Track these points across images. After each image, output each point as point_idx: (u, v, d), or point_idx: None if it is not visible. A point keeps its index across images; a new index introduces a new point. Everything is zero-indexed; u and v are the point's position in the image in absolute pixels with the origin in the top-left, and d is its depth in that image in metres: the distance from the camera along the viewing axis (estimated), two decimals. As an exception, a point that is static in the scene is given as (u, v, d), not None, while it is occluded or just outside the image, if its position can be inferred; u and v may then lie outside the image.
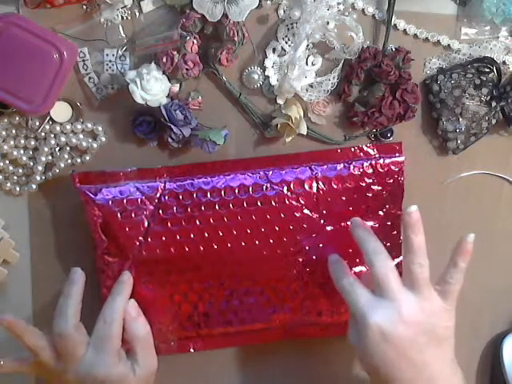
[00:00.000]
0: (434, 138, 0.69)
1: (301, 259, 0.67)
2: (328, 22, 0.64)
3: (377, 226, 0.67)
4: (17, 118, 0.65)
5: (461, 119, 0.67)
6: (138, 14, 0.64)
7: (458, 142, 0.68)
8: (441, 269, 0.72)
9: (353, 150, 0.67)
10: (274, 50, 0.65)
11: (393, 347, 0.57)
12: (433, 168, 0.70)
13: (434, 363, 0.59)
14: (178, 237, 0.65)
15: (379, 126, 0.67)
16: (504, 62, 0.67)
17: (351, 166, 0.66)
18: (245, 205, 0.65)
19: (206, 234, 0.65)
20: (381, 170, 0.66)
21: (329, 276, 0.65)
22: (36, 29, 0.60)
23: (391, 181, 0.67)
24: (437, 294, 0.60)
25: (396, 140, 0.68)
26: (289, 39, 0.65)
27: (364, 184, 0.66)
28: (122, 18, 0.64)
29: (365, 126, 0.67)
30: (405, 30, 0.66)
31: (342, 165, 0.66)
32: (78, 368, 0.62)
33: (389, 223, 0.68)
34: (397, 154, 0.67)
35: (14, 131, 0.66)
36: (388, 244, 0.67)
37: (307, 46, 0.64)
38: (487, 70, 0.66)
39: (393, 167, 0.66)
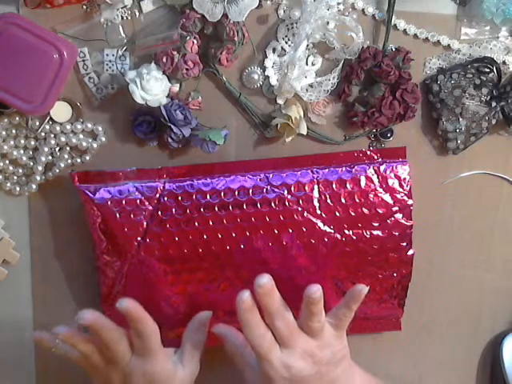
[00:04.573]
0: (434, 137, 0.69)
1: (299, 263, 0.66)
2: (328, 22, 0.64)
3: (383, 235, 0.66)
4: (17, 118, 0.65)
5: (461, 119, 0.67)
6: (137, 13, 0.64)
7: (458, 141, 0.68)
8: (442, 269, 0.73)
9: (355, 154, 0.66)
10: (274, 50, 0.65)
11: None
12: (433, 168, 0.70)
13: (337, 378, 0.63)
14: (177, 238, 0.65)
15: (379, 125, 0.67)
16: (504, 62, 0.67)
17: (353, 170, 0.65)
18: (244, 207, 0.65)
19: (205, 236, 0.65)
20: (385, 174, 0.65)
21: (326, 281, 0.65)
22: (36, 29, 0.60)
23: (398, 187, 0.66)
24: (329, 326, 0.63)
25: (396, 140, 0.68)
26: (289, 39, 0.65)
27: (367, 189, 0.65)
28: (122, 18, 0.64)
29: (365, 126, 0.67)
30: (405, 30, 0.66)
31: (344, 168, 0.66)
32: (126, 369, 0.62)
33: (396, 233, 0.66)
34: (400, 159, 0.66)
35: (14, 131, 0.66)
36: (395, 256, 0.67)
37: (307, 46, 0.64)
38: (487, 70, 0.66)
39: (398, 173, 0.66)
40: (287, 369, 0.61)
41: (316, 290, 0.60)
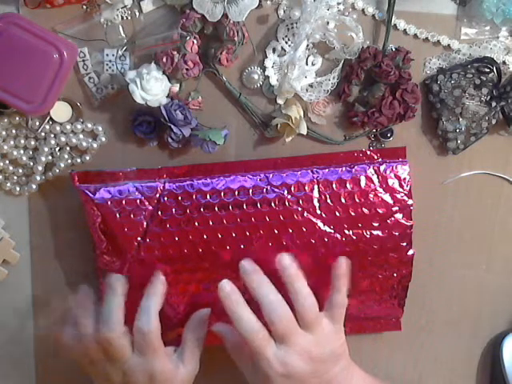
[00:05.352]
0: (434, 137, 0.69)
1: (299, 263, 0.66)
2: (328, 22, 0.64)
3: (383, 235, 0.66)
4: (17, 118, 0.65)
5: (461, 119, 0.67)
6: (137, 13, 0.64)
7: (458, 142, 0.68)
8: (442, 269, 0.73)
9: (355, 154, 0.66)
10: (274, 50, 0.65)
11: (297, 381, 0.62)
12: (433, 168, 0.70)
13: (335, 376, 0.63)
14: (177, 238, 0.65)
15: (379, 125, 0.67)
16: (504, 62, 0.67)
17: (353, 170, 0.65)
18: (244, 207, 0.65)
19: (205, 236, 0.65)
20: (385, 174, 0.65)
21: (326, 280, 0.65)
22: (36, 29, 0.60)
23: (398, 187, 0.66)
24: (327, 320, 0.63)
25: (396, 140, 0.68)
26: (289, 39, 0.65)
27: (367, 189, 0.65)
28: (122, 18, 0.64)
29: (365, 126, 0.67)
30: (405, 30, 0.66)
31: (343, 168, 0.66)
32: (125, 366, 0.63)
33: (396, 233, 0.66)
34: (400, 159, 0.66)
35: (14, 131, 0.66)
36: (395, 256, 0.66)
37: (307, 46, 0.64)
38: (487, 70, 0.66)
39: (398, 173, 0.66)
40: (284, 366, 0.60)
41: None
